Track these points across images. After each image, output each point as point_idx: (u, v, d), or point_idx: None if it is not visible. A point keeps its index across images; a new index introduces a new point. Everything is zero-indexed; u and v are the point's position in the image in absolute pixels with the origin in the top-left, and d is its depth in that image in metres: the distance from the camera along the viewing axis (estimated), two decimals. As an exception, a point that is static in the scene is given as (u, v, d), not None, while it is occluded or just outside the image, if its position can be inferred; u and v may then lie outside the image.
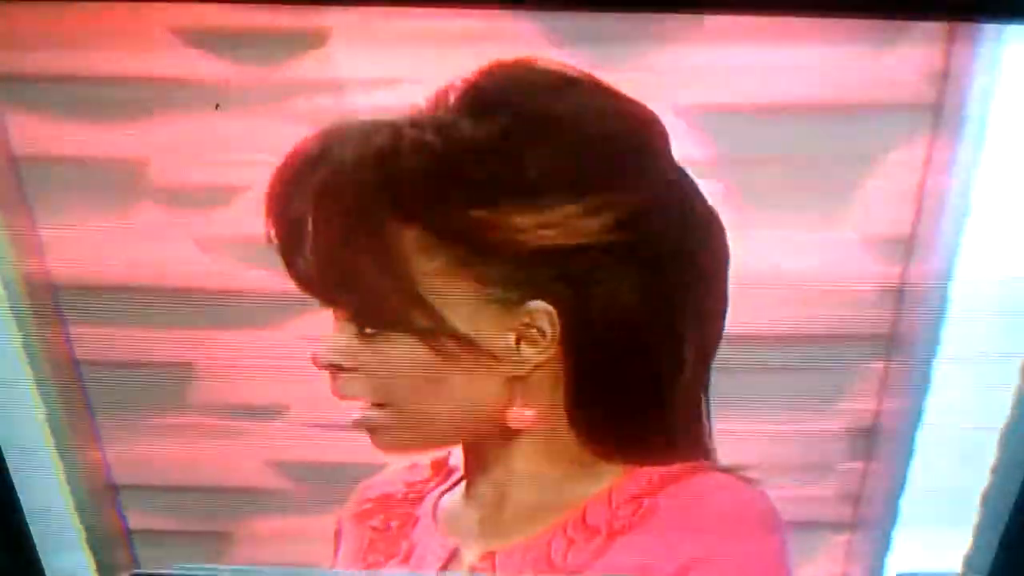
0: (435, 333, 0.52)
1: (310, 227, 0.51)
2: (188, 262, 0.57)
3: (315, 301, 0.54)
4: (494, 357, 0.52)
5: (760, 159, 0.52)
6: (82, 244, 0.57)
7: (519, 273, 0.51)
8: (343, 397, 0.55)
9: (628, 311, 0.52)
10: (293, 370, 0.59)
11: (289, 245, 0.52)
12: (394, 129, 0.50)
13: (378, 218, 0.50)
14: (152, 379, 0.62)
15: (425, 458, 0.61)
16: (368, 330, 0.53)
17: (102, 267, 0.58)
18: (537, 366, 0.53)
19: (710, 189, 0.52)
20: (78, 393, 0.62)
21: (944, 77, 0.50)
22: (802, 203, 0.54)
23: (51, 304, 0.59)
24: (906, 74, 0.50)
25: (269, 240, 0.52)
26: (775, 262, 0.55)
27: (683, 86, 0.51)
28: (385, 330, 0.52)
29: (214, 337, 0.60)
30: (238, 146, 0.53)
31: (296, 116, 0.52)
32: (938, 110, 0.51)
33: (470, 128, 0.50)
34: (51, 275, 0.58)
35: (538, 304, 0.51)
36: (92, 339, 0.61)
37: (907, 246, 0.55)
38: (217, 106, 0.52)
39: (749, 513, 0.56)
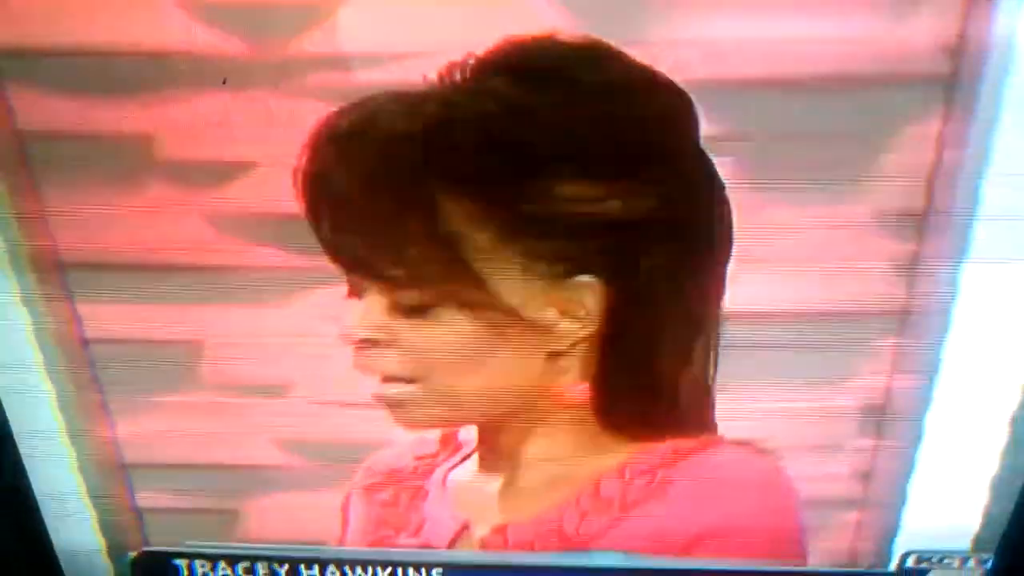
0: (481, 306, 0.51)
1: (357, 203, 0.50)
2: (196, 239, 0.57)
3: (325, 277, 0.54)
4: (537, 331, 0.52)
5: (770, 135, 0.52)
6: (89, 221, 0.57)
7: (568, 247, 0.50)
8: (371, 372, 0.54)
9: (668, 288, 0.52)
10: (301, 348, 0.59)
11: (331, 222, 0.51)
12: (444, 98, 0.49)
13: (429, 191, 0.49)
14: (161, 357, 0.61)
15: (433, 432, 0.61)
16: (410, 304, 0.52)
17: (110, 245, 0.58)
18: (576, 342, 0.53)
19: (720, 164, 0.52)
20: (87, 372, 0.62)
21: (959, 50, 0.50)
22: (812, 179, 0.53)
23: (59, 283, 0.59)
24: (920, 47, 0.50)
25: (308, 218, 0.51)
26: (785, 239, 0.54)
27: (690, 60, 0.50)
28: (430, 303, 0.52)
29: (223, 315, 0.59)
30: (246, 121, 0.53)
31: (305, 91, 0.51)
32: (952, 84, 0.50)
33: (529, 98, 0.49)
34: (58, 253, 0.58)
35: (584, 279, 0.51)
36: (100, 318, 0.61)
37: (920, 223, 0.54)
38: (224, 81, 0.52)
39: (764, 483, 0.56)
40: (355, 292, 0.54)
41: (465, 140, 0.49)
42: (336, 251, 0.52)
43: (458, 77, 0.49)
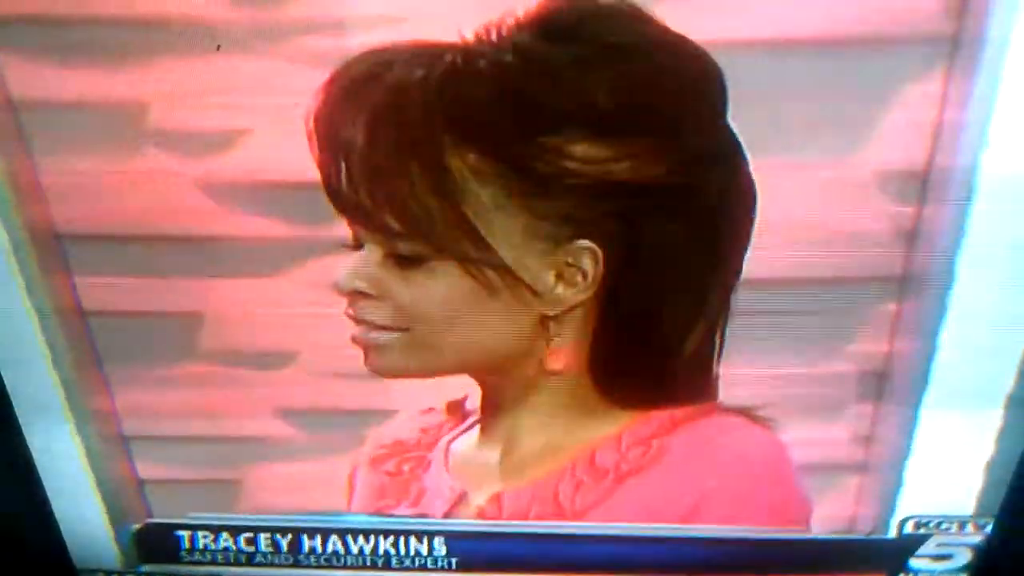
0: (479, 263, 0.51)
1: (362, 147, 0.49)
2: (192, 208, 0.56)
3: (324, 246, 0.54)
4: (534, 293, 0.52)
5: (770, 95, 0.51)
6: (85, 191, 0.56)
7: (575, 209, 0.50)
8: (360, 322, 0.54)
9: (672, 257, 0.51)
10: (301, 317, 0.59)
11: (335, 167, 0.50)
12: (466, 50, 0.48)
13: (438, 140, 0.49)
14: (160, 328, 0.61)
15: (440, 402, 0.61)
16: (405, 256, 0.51)
17: (106, 214, 0.57)
18: (572, 307, 0.52)
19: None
20: (86, 344, 0.62)
21: (962, 8, 0.49)
22: (814, 140, 0.53)
23: (56, 254, 0.59)
24: (922, 5, 0.49)
25: (316, 162, 0.51)
26: (786, 201, 0.54)
27: (691, 19, 0.49)
28: (428, 256, 0.51)
29: (221, 285, 0.59)
30: (241, 88, 0.52)
31: (300, 56, 0.51)
32: (956, 43, 0.50)
33: (549, 52, 0.48)
34: (55, 224, 0.58)
35: (586, 243, 0.51)
36: (98, 289, 0.60)
37: (921, 184, 0.54)
38: (219, 47, 0.51)
39: (759, 453, 0.56)
40: (356, 243, 0.53)
41: (478, 91, 0.48)
42: (338, 197, 0.51)
43: (494, 36, 0.49)
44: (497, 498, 0.57)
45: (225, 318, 0.61)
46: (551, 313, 0.52)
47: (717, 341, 0.56)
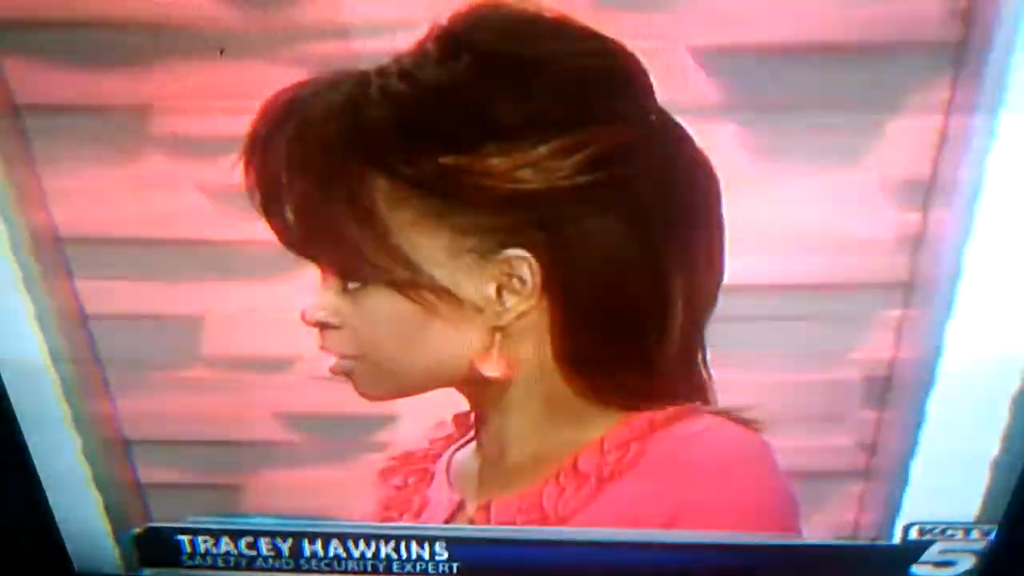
0: (414, 285, 0.51)
1: (284, 180, 0.50)
2: (194, 212, 0.56)
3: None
4: (476, 308, 0.52)
5: (776, 102, 0.51)
6: (87, 195, 0.56)
7: (494, 220, 0.50)
8: (329, 352, 0.55)
9: (606, 256, 0.51)
10: (301, 322, 0.59)
11: (268, 200, 0.51)
12: (362, 78, 0.49)
13: (348, 170, 0.49)
14: (161, 332, 0.61)
15: (440, 406, 0.61)
16: (350, 285, 0.52)
17: (107, 218, 0.57)
18: (520, 315, 0.52)
19: (724, 133, 0.51)
20: (87, 347, 0.62)
21: (968, 15, 0.49)
22: (819, 147, 0.53)
23: (58, 257, 0.59)
24: (929, 12, 0.49)
25: (250, 196, 0.51)
26: (791, 208, 0.54)
27: (697, 27, 0.50)
28: (365, 284, 0.52)
29: (222, 288, 0.59)
30: (244, 92, 0.52)
31: (303, 61, 0.51)
32: (961, 50, 0.50)
33: (435, 73, 0.49)
34: (56, 228, 0.58)
35: (515, 252, 0.50)
36: (100, 292, 0.60)
37: (927, 191, 0.54)
38: (222, 51, 0.51)
39: (735, 453, 0.54)
40: None
41: (372, 119, 0.49)
42: (275, 231, 0.52)
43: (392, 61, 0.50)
44: (486, 507, 0.57)
45: (226, 322, 0.61)
46: (499, 324, 0.52)
47: (697, 338, 0.55)
